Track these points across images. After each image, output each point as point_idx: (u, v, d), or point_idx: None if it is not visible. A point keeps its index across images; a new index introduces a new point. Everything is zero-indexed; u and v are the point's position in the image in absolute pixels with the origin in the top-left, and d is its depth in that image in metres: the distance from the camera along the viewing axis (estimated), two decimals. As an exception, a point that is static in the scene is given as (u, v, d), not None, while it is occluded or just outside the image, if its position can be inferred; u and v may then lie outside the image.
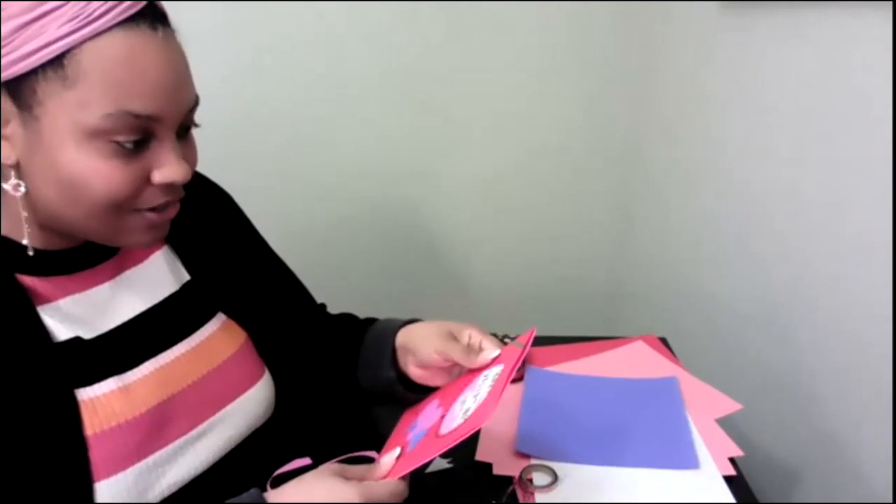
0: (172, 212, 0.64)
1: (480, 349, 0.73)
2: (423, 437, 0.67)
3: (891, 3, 0.88)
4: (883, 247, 0.93)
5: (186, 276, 0.75)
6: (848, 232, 1.00)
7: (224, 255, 0.79)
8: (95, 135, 0.56)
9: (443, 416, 0.68)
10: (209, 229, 0.79)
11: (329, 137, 1.43)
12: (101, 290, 0.67)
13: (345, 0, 1.31)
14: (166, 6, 0.63)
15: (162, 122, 0.58)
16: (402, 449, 0.68)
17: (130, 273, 0.71)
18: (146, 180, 0.60)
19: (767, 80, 1.15)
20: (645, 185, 1.54)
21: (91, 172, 0.57)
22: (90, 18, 0.54)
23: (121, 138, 0.56)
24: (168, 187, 0.61)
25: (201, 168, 0.80)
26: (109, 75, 0.55)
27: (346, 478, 0.62)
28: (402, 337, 0.79)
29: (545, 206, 1.56)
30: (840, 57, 0.99)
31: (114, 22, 0.55)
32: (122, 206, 0.59)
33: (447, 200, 1.52)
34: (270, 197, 1.39)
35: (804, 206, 1.09)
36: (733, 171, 1.26)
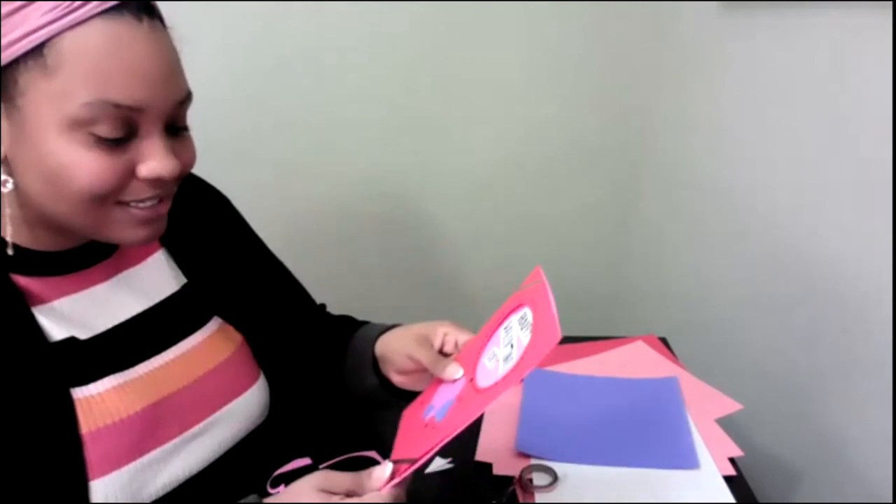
0: (163, 207, 0.63)
1: (457, 348, 0.71)
2: (453, 404, 0.64)
3: (891, 3, 0.88)
4: (883, 246, 0.93)
5: (183, 279, 0.75)
6: (848, 232, 1.00)
7: (221, 259, 0.79)
8: (76, 125, 0.55)
9: (472, 379, 0.65)
10: (205, 233, 0.79)
11: (329, 138, 1.42)
12: (98, 291, 0.67)
13: (342, 0, 1.31)
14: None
15: (145, 113, 0.57)
16: (425, 428, 0.64)
17: (128, 274, 0.71)
18: (131, 173, 0.58)
19: (767, 80, 1.15)
20: (645, 185, 1.54)
21: (73, 164, 0.56)
22: (72, 8, 0.54)
23: (102, 129, 0.55)
24: (155, 181, 0.59)
25: (202, 169, 0.81)
26: (89, 64, 0.54)
27: (332, 492, 0.60)
28: (379, 346, 0.78)
29: (545, 206, 1.56)
30: (840, 57, 0.99)
31: (95, 11, 0.54)
32: (105, 199, 0.58)
33: (447, 200, 1.52)
34: (269, 196, 1.39)
35: (804, 205, 1.09)
36: (734, 171, 1.26)
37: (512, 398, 0.97)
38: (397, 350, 0.75)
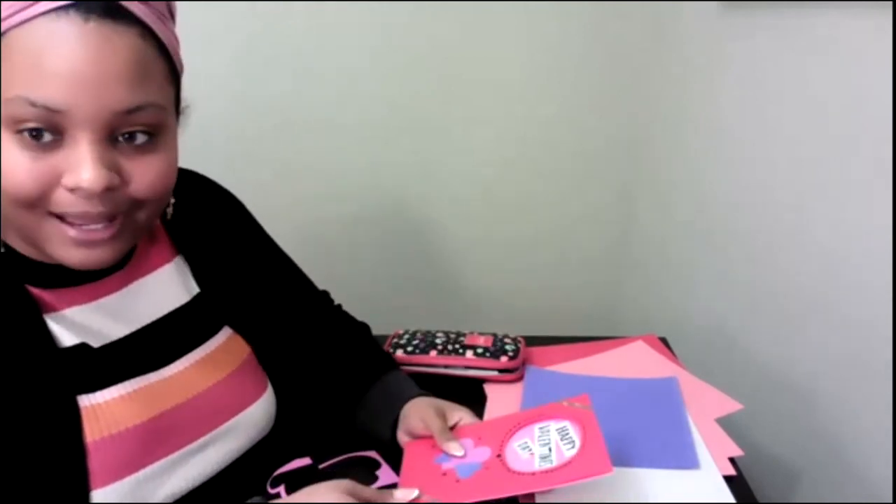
0: (106, 232, 0.58)
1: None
2: (479, 470, 0.72)
3: (891, 3, 0.88)
4: (883, 246, 0.93)
5: (196, 289, 0.74)
6: (848, 232, 1.00)
7: (235, 266, 0.79)
8: (7, 122, 0.54)
9: (500, 455, 0.73)
10: (220, 238, 0.78)
11: (329, 138, 1.43)
12: (109, 301, 0.67)
13: (342, 0, 1.31)
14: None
15: (69, 117, 0.54)
16: (444, 477, 0.72)
17: (140, 283, 0.70)
18: (57, 181, 0.55)
19: (768, 81, 1.15)
20: (646, 186, 1.54)
21: (4, 162, 0.54)
22: (21, 6, 0.53)
23: (23, 128, 0.54)
24: (83, 193, 0.55)
25: (203, 169, 0.81)
26: (20, 60, 0.53)
27: (355, 495, 0.62)
28: (407, 407, 0.82)
29: (546, 206, 1.56)
30: (840, 57, 0.99)
31: (42, 10, 0.53)
32: (33, 206, 0.56)
33: (447, 200, 1.52)
34: (269, 197, 1.38)
35: (804, 205, 1.09)
36: (734, 172, 1.26)
37: (512, 398, 0.97)
38: (416, 413, 0.80)
